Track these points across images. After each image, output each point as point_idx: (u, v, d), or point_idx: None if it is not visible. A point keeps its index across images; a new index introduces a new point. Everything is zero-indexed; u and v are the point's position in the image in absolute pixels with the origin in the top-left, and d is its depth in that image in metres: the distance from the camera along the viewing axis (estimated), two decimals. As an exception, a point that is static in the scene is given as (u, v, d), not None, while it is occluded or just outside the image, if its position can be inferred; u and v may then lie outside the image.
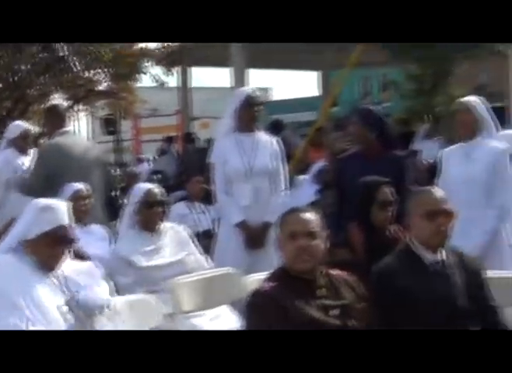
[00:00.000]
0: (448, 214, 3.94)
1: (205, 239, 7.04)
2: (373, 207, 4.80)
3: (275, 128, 11.59)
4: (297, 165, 9.20)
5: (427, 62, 13.46)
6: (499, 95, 20.73)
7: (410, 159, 9.16)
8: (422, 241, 3.94)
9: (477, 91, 28.88)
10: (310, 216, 3.75)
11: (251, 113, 6.25)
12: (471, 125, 5.58)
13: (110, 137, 25.64)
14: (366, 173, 5.15)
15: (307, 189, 8.61)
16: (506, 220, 5.51)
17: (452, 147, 5.90)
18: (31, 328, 3.64)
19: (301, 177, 9.15)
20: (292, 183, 7.95)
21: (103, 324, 3.93)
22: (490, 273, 4.36)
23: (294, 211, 3.81)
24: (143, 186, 5.84)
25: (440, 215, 3.90)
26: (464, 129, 5.67)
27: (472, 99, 5.80)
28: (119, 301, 4.25)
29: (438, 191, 4.10)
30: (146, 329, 4.24)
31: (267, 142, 6.34)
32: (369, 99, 36.23)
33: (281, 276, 3.72)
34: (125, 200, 6.14)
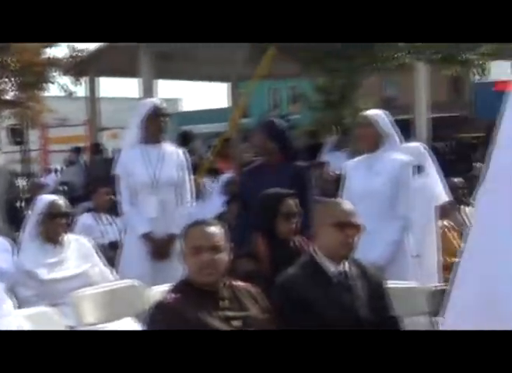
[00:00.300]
0: (356, 227, 3.99)
1: (112, 251, 6.97)
2: (278, 219, 4.82)
3: (185, 139, 11.58)
4: (205, 176, 9.19)
5: (335, 75, 13.66)
6: (406, 107, 21.16)
7: (315, 170, 9.28)
8: (327, 252, 3.98)
9: (385, 103, 29.49)
10: (213, 229, 3.74)
11: (157, 124, 6.22)
12: (374, 138, 5.66)
13: (18, 147, 25.21)
14: (269, 184, 5.19)
15: (215, 200, 8.61)
16: (408, 231, 5.60)
17: (355, 159, 5.98)
18: None
19: (209, 188, 9.16)
20: (199, 195, 7.93)
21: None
22: (392, 284, 4.43)
23: (198, 224, 3.80)
24: (46, 198, 5.75)
25: (349, 227, 3.96)
26: (367, 142, 5.75)
27: (374, 112, 5.89)
28: (20, 314, 4.15)
29: (347, 203, 4.16)
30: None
31: (173, 153, 6.32)
32: (278, 110, 36.63)
33: (184, 288, 3.71)
34: (29, 211, 6.03)
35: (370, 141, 5.69)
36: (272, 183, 5.21)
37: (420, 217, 6.03)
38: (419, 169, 6.24)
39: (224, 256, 3.73)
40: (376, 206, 5.47)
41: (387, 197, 5.52)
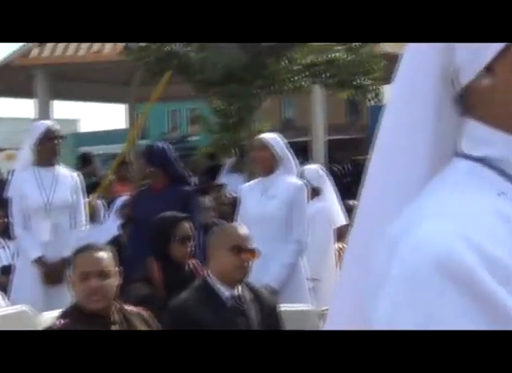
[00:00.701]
0: (251, 251, 4.02)
1: (5, 275, 6.79)
2: (172, 243, 4.80)
3: (84, 161, 11.41)
4: (101, 198, 9.07)
5: (232, 98, 13.72)
6: (304, 129, 21.42)
7: (212, 193, 9.27)
8: (221, 276, 3.98)
9: (283, 125, 29.66)
10: (102, 254, 3.68)
11: (50, 147, 6.12)
12: (268, 161, 5.70)
13: None
14: (156, 208, 5.21)
15: (110, 223, 8.49)
16: (303, 254, 5.65)
17: (251, 182, 6.02)
18: None
19: (105, 211, 9.03)
20: (95, 217, 7.83)
21: None
22: (286, 307, 4.45)
23: (86, 250, 3.74)
24: None
25: (243, 251, 3.98)
26: (262, 165, 5.79)
27: (269, 135, 5.94)
28: None
29: (242, 228, 4.18)
30: None
31: (66, 176, 6.23)
32: (177, 131, 36.58)
33: (73, 313, 3.64)
34: None
35: (265, 164, 5.73)
36: (159, 207, 5.23)
37: (318, 240, 6.09)
38: (317, 191, 6.30)
39: (113, 282, 3.68)
40: (271, 229, 5.50)
41: (281, 221, 5.55)
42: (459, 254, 0.85)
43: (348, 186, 12.06)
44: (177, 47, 13.40)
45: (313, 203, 6.02)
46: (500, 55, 0.97)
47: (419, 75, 1.03)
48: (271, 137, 5.83)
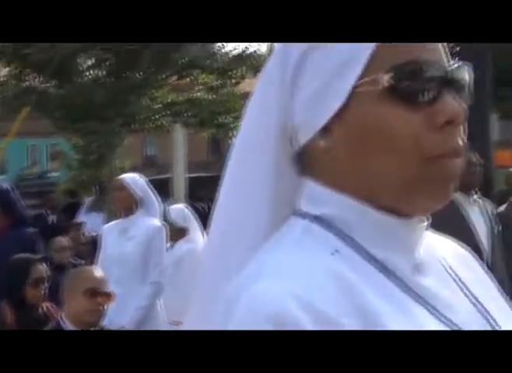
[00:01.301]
0: (106, 295, 3.99)
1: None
2: (26, 285, 4.69)
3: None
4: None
5: (91, 135, 13.59)
6: (166, 167, 21.36)
7: (71, 231, 9.12)
8: (75, 319, 3.92)
9: (145, 163, 29.34)
10: None
11: None
12: (127, 202, 5.65)
13: None
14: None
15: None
16: (160, 295, 5.61)
17: (111, 223, 5.96)
18: None
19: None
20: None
21: None
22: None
23: None
24: None
25: (98, 295, 3.94)
26: (120, 205, 5.76)
27: (129, 176, 5.90)
28: None
29: (98, 271, 4.15)
30: None
31: None
32: (37, 167, 35.76)
33: None
34: None
35: (123, 205, 5.69)
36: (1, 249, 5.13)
37: (186, 282, 6.05)
38: (184, 232, 6.25)
39: None
40: (129, 270, 5.45)
41: (138, 262, 5.52)
42: (290, 313, 0.88)
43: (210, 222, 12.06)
44: (35, 82, 13.23)
45: (180, 244, 6.00)
46: (337, 116, 1.00)
47: (259, 132, 1.05)
48: (130, 178, 5.79)
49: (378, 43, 0.99)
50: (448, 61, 1.02)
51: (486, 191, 5.67)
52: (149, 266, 5.52)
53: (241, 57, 14.49)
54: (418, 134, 0.96)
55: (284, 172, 1.05)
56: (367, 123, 0.98)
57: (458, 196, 4.73)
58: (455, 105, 0.98)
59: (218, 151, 33.73)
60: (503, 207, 5.89)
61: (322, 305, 0.90)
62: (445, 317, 0.99)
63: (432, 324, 0.97)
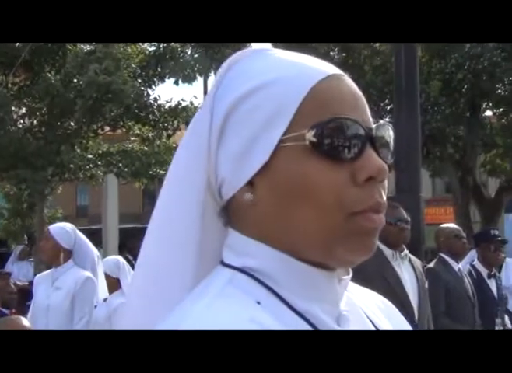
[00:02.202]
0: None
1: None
2: None
3: None
4: None
5: (22, 183, 13.44)
6: (97, 217, 21.19)
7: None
8: None
9: (78, 213, 29.04)
10: None
11: None
12: (52, 252, 5.59)
13: None
14: None
15: None
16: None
17: (44, 272, 5.90)
18: None
19: None
20: None
21: None
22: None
23: None
24: None
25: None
26: (46, 255, 5.70)
27: (59, 226, 5.84)
28: None
29: (25, 321, 4.06)
30: None
31: None
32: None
33: None
34: None
35: (49, 254, 5.63)
36: None
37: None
38: (119, 283, 6.18)
39: None
40: (57, 320, 5.38)
41: (66, 312, 5.44)
42: None
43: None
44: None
45: (115, 296, 5.93)
46: (262, 170, 1.01)
47: (185, 184, 1.06)
48: (55, 228, 5.73)
49: (303, 99, 1.01)
50: (371, 119, 1.05)
51: (416, 247, 5.74)
52: (76, 315, 5.44)
53: (175, 110, 14.56)
54: (340, 190, 0.99)
55: (210, 223, 1.06)
56: (291, 178, 1.00)
57: (388, 251, 4.79)
58: (377, 162, 1.00)
59: (152, 203, 33.64)
60: (431, 264, 5.96)
61: None
62: None
63: None
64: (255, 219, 1.03)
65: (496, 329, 6.19)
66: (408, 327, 1.19)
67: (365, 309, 1.14)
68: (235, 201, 1.05)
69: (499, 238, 6.68)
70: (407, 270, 4.84)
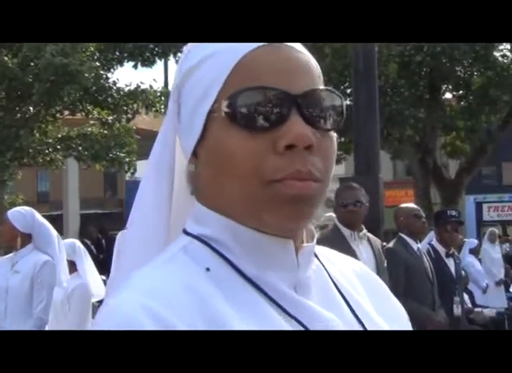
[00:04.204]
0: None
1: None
2: None
3: None
4: None
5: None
6: (58, 203, 21.07)
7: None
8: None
9: (38, 198, 28.76)
10: None
11: None
12: (9, 236, 5.57)
13: None
14: None
15: None
16: (43, 329, 5.51)
17: (4, 257, 5.87)
18: None
19: None
20: None
21: None
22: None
23: None
24: None
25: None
26: (3, 239, 5.68)
27: (13, 210, 5.81)
28: None
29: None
30: None
31: None
32: None
33: None
34: None
35: (6, 239, 5.60)
36: None
37: (75, 316, 5.96)
38: (75, 266, 6.17)
39: None
40: (15, 304, 5.37)
41: (24, 297, 5.43)
42: (138, 321, 0.94)
43: (103, 260, 11.91)
44: None
45: (72, 278, 5.91)
46: (200, 142, 1.05)
47: (164, 152, 1.13)
48: (12, 212, 5.69)
49: (232, 70, 1.03)
50: (320, 86, 1.06)
51: (375, 228, 5.78)
52: (33, 300, 5.43)
53: (135, 93, 14.50)
54: (259, 159, 1.00)
55: (181, 192, 1.14)
56: (217, 148, 1.03)
57: (346, 231, 4.85)
58: (299, 129, 1.00)
59: (113, 188, 33.46)
60: (391, 243, 6.01)
61: (168, 314, 0.96)
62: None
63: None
64: (201, 188, 1.08)
65: (455, 307, 6.26)
66: (386, 292, 1.23)
67: (339, 277, 1.16)
68: (190, 172, 1.10)
69: (456, 219, 6.74)
70: (365, 249, 4.90)
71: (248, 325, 0.99)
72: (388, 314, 1.18)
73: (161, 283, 1.01)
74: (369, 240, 4.96)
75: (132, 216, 1.15)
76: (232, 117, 1.02)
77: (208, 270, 1.04)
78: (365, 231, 4.94)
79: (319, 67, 1.11)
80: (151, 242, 1.12)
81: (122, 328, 0.95)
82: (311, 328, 1.03)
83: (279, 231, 1.05)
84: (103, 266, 9.09)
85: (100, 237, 14.89)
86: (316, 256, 1.14)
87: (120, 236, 1.18)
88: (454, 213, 6.81)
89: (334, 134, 1.06)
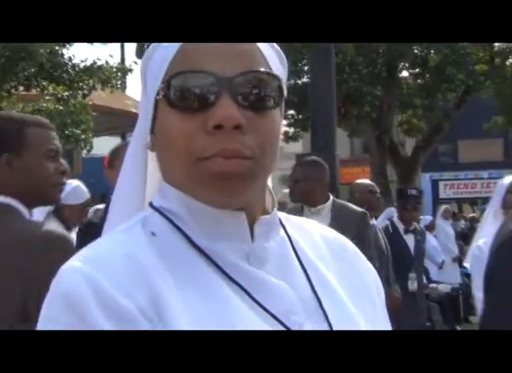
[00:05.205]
0: None
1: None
2: None
3: None
4: None
5: None
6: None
7: None
8: None
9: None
10: None
11: None
12: None
13: None
14: None
15: None
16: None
17: None
18: None
19: None
20: None
21: None
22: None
23: None
24: None
25: None
26: None
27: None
28: None
29: None
30: None
31: None
32: None
33: None
34: None
35: None
36: None
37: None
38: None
39: None
40: None
41: None
42: (77, 288, 1.00)
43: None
44: None
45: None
46: (155, 122, 1.14)
47: (143, 130, 1.19)
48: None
49: (174, 55, 1.11)
50: (260, 68, 1.10)
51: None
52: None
53: (91, 69, 14.37)
54: (190, 138, 1.07)
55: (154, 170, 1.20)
56: (160, 128, 1.12)
57: (297, 206, 5.00)
58: (227, 110, 1.05)
59: (70, 165, 33.20)
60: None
61: (106, 282, 1.00)
62: (260, 304, 1.07)
63: (242, 308, 1.06)
64: (158, 162, 1.15)
65: (409, 283, 6.34)
66: (357, 261, 1.26)
67: (308, 247, 1.20)
68: None
69: (416, 198, 6.83)
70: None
71: (186, 292, 1.04)
72: (354, 284, 1.21)
73: (104, 252, 1.06)
74: (322, 215, 4.96)
75: (115, 190, 1.23)
76: (168, 100, 1.09)
77: (153, 234, 1.10)
78: (321, 206, 4.96)
79: (281, 54, 1.17)
80: (127, 216, 1.17)
81: (62, 294, 1.00)
82: (254, 294, 1.07)
83: (218, 206, 1.10)
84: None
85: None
86: (284, 227, 1.19)
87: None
88: (414, 192, 6.91)
89: (276, 113, 1.11)
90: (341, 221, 4.88)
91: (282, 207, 6.13)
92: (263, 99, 1.09)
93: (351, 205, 5.10)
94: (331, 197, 5.02)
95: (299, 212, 4.85)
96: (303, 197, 5.02)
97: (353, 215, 4.96)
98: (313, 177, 4.95)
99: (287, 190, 5.69)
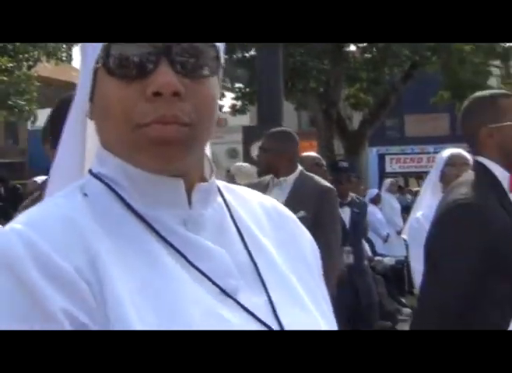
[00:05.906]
0: None
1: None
2: None
3: None
4: None
5: None
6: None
7: None
8: None
9: None
10: None
11: None
12: None
13: None
14: None
15: None
16: None
17: None
18: None
19: None
20: None
21: None
22: None
23: None
24: None
25: None
26: None
27: None
28: None
29: None
30: None
31: None
32: None
33: None
34: None
35: None
36: None
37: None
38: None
39: None
40: None
41: None
42: (14, 249, 1.01)
43: (4, 210, 11.67)
44: None
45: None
46: (95, 89, 1.15)
47: (76, 100, 1.21)
48: None
49: None
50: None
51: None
52: None
53: (36, 40, 14.20)
54: (128, 105, 1.08)
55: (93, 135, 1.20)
56: (98, 96, 1.13)
57: (267, 177, 5.03)
58: (165, 78, 1.07)
59: (14, 137, 32.74)
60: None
61: (43, 243, 1.02)
62: (197, 268, 1.10)
63: (179, 272, 1.09)
64: (96, 130, 1.16)
65: (345, 256, 6.36)
66: (295, 231, 1.29)
67: (246, 215, 1.23)
68: None
69: (347, 171, 6.87)
70: (280, 194, 4.88)
71: (125, 256, 1.07)
72: (291, 252, 1.24)
73: (41, 215, 1.08)
74: (282, 187, 4.97)
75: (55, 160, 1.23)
76: (107, 68, 1.10)
77: (85, 195, 1.12)
78: (284, 178, 4.97)
79: None
80: (67, 184, 1.17)
81: (1, 255, 1.01)
82: (191, 258, 1.10)
83: (156, 171, 1.12)
84: (1, 214, 8.96)
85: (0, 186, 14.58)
86: (222, 194, 1.22)
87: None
88: (344, 164, 6.95)
89: (213, 81, 1.14)
90: (301, 195, 4.88)
91: (232, 179, 6.14)
92: (201, 67, 1.11)
93: (319, 179, 5.07)
94: (299, 170, 5.02)
95: (265, 187, 4.87)
96: (266, 167, 5.10)
97: (315, 189, 4.94)
98: (278, 149, 4.97)
99: (239, 164, 5.71)
